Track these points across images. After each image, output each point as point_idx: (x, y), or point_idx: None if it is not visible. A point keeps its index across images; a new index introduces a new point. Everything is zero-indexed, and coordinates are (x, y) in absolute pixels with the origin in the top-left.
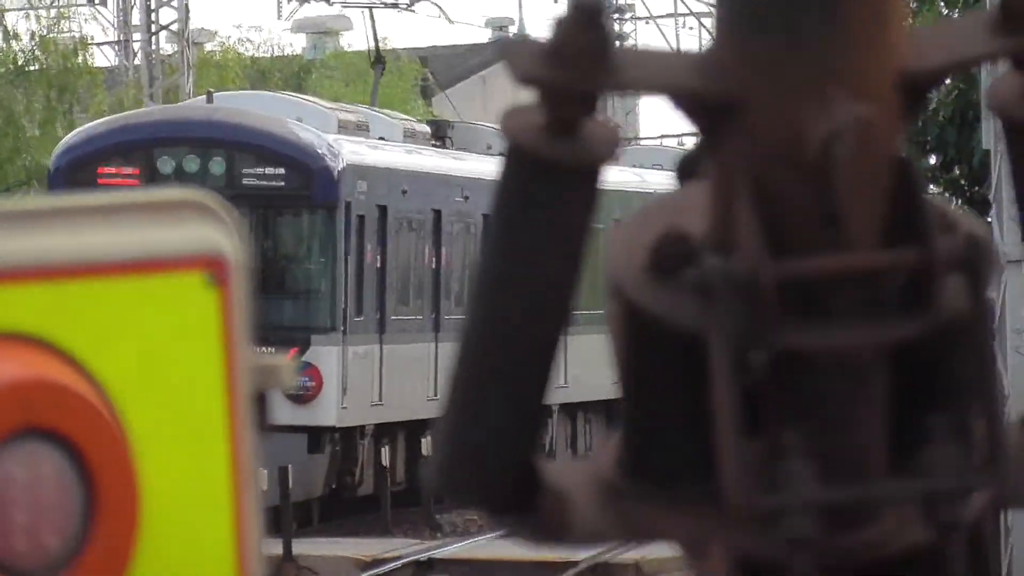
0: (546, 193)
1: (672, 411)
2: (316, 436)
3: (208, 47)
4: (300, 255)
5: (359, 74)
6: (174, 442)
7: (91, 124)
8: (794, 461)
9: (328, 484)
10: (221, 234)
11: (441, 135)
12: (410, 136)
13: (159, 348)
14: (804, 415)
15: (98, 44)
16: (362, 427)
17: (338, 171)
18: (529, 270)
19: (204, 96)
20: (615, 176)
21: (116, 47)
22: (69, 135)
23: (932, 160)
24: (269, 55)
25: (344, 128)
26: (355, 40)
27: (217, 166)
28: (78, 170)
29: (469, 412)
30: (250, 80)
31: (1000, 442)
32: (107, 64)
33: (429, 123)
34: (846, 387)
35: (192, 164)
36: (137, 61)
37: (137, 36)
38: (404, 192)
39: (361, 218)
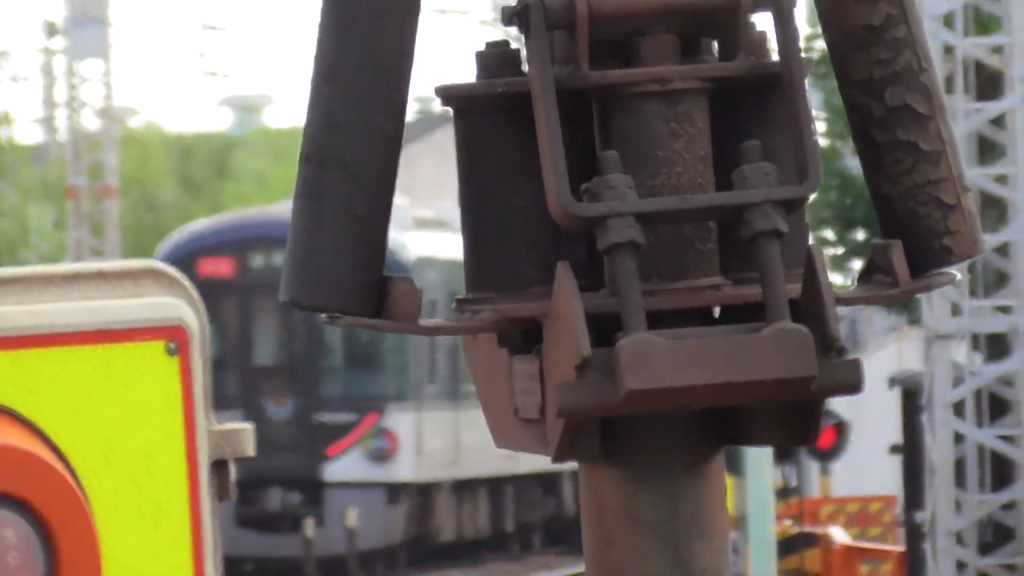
0: None
1: (508, 202)
2: (395, 490)
3: (132, 123)
4: (377, 334)
5: (284, 152)
6: (135, 508)
7: (194, 224)
8: (614, 176)
9: (407, 533)
10: (182, 303)
11: None
12: None
13: (120, 416)
14: (624, 143)
15: (23, 121)
16: (438, 482)
17: (408, 263)
18: (359, 55)
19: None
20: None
21: (42, 124)
22: (175, 233)
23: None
24: (193, 132)
25: (421, 224)
26: (279, 116)
27: None
28: (180, 264)
29: (311, 217)
30: (173, 157)
31: (809, 161)
32: (33, 141)
33: None
34: (664, 120)
35: (279, 258)
36: (60, 138)
37: (62, 113)
38: None
39: (433, 302)
